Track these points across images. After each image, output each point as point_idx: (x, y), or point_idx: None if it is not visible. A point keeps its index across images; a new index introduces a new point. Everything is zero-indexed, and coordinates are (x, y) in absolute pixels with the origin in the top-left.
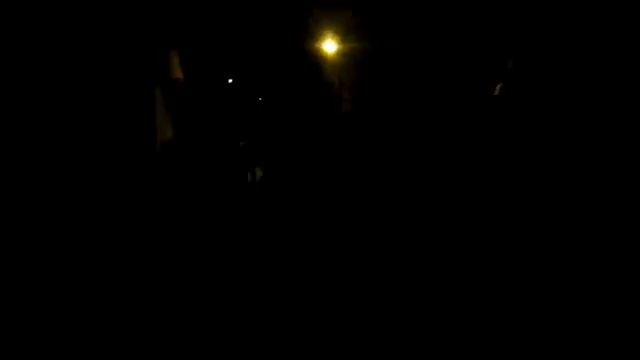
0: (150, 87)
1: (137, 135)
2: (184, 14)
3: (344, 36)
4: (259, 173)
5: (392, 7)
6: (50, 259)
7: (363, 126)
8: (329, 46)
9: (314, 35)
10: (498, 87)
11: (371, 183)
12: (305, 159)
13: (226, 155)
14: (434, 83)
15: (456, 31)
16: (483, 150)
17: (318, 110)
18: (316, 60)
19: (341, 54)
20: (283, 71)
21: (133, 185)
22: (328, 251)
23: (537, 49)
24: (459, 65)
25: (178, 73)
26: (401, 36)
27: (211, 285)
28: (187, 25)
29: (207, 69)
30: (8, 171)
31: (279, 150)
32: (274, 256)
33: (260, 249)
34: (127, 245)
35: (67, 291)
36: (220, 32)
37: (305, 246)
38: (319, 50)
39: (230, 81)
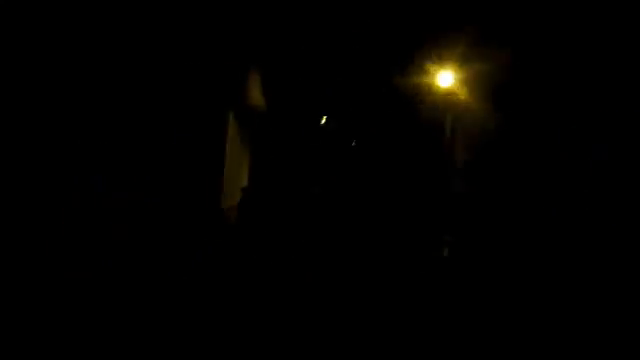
0: (222, 114)
1: (201, 172)
2: (272, 29)
3: (461, 65)
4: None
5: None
6: None
7: (482, 184)
8: (442, 79)
9: (423, 66)
10: None
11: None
12: (400, 221)
13: (302, 205)
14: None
15: None
16: None
17: (423, 161)
18: (423, 97)
19: (456, 88)
20: (384, 110)
21: (191, 231)
22: None
23: None
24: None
25: (258, 99)
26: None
27: None
28: (275, 42)
29: (295, 99)
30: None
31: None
32: None
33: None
34: None
35: None
36: (314, 56)
37: None
38: (429, 85)
39: (324, 120)
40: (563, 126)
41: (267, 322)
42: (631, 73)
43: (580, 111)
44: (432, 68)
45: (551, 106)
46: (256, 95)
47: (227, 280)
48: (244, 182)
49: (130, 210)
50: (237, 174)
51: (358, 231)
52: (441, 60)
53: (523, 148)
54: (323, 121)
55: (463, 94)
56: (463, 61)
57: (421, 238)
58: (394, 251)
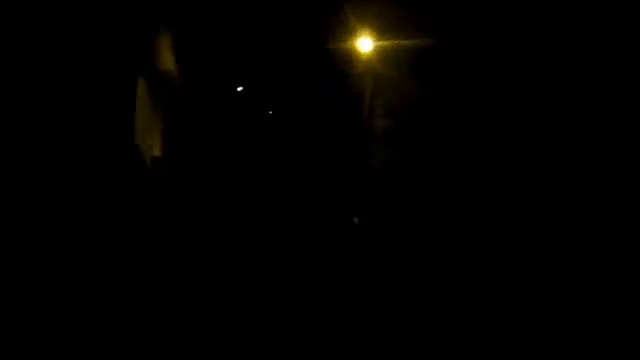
0: (131, 79)
1: (110, 138)
2: None
3: (382, 32)
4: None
5: None
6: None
7: (399, 149)
8: (363, 44)
9: (345, 31)
10: None
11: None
12: (321, 187)
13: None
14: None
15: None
16: None
17: (342, 128)
18: (344, 63)
19: (376, 54)
20: (302, 76)
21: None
22: None
23: None
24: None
25: (169, 63)
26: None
27: None
28: (187, 2)
29: (208, 61)
30: None
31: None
32: None
33: None
34: None
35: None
36: (228, 19)
37: None
38: (349, 50)
39: (239, 89)
40: (489, 92)
41: None
42: (549, 42)
43: (504, 76)
44: (351, 33)
45: (475, 72)
46: (167, 59)
47: None
48: (156, 152)
49: None
50: (149, 144)
51: (274, 200)
52: (361, 25)
53: (445, 115)
54: (239, 89)
55: (383, 60)
56: (383, 26)
57: (337, 207)
58: (308, 221)
